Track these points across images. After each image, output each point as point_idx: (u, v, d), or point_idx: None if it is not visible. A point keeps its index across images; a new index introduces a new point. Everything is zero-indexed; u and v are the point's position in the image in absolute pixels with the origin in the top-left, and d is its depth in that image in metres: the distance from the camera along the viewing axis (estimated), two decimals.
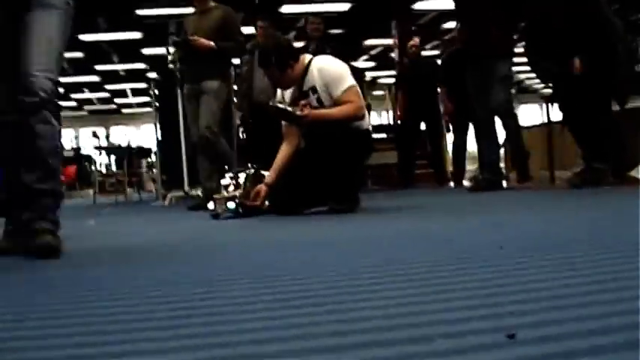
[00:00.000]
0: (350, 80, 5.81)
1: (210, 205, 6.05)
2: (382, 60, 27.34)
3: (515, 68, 8.73)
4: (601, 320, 1.53)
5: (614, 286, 1.92)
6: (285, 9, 18.25)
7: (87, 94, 35.05)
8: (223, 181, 6.26)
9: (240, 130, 10.49)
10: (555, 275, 2.14)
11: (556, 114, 8.47)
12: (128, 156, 16.20)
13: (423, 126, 12.23)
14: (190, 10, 8.26)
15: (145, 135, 35.98)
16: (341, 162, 5.70)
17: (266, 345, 1.50)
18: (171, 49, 8.84)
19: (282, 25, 9.40)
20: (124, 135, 37.33)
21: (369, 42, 25.02)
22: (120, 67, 28.19)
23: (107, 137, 37.70)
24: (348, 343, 1.47)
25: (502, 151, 8.54)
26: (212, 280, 2.47)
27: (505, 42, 8.30)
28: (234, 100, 9.15)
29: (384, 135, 13.13)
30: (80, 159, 25.29)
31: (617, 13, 7.64)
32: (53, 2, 3.62)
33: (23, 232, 3.59)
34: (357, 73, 6.97)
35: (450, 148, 12.36)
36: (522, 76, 32.11)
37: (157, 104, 11.61)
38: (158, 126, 11.51)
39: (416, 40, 12.65)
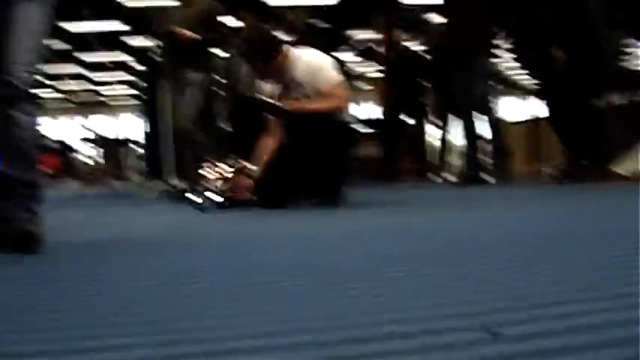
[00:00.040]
0: (334, 72, 5.81)
1: (196, 198, 6.04)
2: (367, 53, 27.29)
3: (501, 63, 8.76)
4: (587, 317, 1.53)
5: (600, 283, 1.93)
6: (271, 0, 18.20)
7: (70, 85, 34.90)
8: (208, 174, 6.24)
9: (225, 122, 10.47)
10: (537, 270, 2.15)
11: (541, 109, 8.50)
12: (115, 148, 16.17)
13: (407, 119, 12.21)
14: (174, 2, 8.23)
15: (129, 126, 35.82)
16: (325, 155, 5.69)
17: (234, 340, 1.51)
18: (155, 41, 8.81)
19: (266, 17, 9.36)
20: (106, 125, 37.11)
21: (354, 35, 24.99)
22: (104, 57, 28.07)
23: (90, 129, 37.52)
24: (327, 340, 1.47)
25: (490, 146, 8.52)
26: (195, 272, 2.47)
27: (486, 36, 8.32)
28: (219, 91, 9.11)
29: (368, 128, 13.10)
30: (64, 150, 25.19)
31: (602, 10, 7.66)
32: None
33: (1, 223, 3.56)
34: (340, 66, 6.97)
35: (434, 142, 12.36)
36: (508, 72, 32.14)
37: (143, 96, 11.57)
38: (144, 118, 11.47)
39: (402, 35, 12.62)
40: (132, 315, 1.84)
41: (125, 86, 33.24)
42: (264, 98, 5.82)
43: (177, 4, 7.95)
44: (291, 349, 1.41)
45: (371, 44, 16.58)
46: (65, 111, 40.62)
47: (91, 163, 21.88)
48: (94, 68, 30.03)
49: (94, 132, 24.00)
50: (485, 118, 8.36)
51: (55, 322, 1.79)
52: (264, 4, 17.70)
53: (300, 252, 3.02)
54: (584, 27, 7.48)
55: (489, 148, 8.52)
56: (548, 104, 7.92)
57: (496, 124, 8.48)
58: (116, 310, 1.89)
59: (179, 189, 8.66)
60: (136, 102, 11.44)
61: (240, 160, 6.15)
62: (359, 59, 29.03)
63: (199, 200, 5.96)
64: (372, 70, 28.04)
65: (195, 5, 7.63)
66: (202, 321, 1.72)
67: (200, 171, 6.56)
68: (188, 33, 7.41)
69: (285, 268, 2.52)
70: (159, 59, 9.02)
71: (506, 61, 14.77)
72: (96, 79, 33.01)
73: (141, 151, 11.91)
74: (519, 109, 28.77)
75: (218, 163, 6.42)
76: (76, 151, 23.65)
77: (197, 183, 6.82)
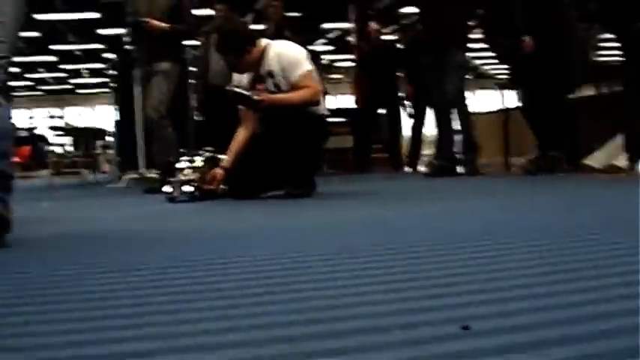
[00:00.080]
0: (307, 65, 5.81)
1: (167, 188, 6.01)
2: (340, 44, 27.34)
3: (471, 54, 8.81)
4: (568, 310, 1.54)
5: (575, 276, 1.93)
6: None
7: (42, 74, 34.72)
8: (179, 164, 6.21)
9: (196, 112, 10.45)
10: (513, 265, 2.15)
11: (513, 100, 8.54)
12: (86, 138, 16.07)
13: (380, 110, 12.23)
14: None
15: (100, 116, 35.69)
16: (297, 147, 5.69)
17: (199, 336, 1.50)
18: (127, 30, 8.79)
19: (240, 8, 9.33)
20: (78, 115, 36.97)
21: (326, 25, 25.00)
22: (76, 47, 27.94)
23: (60, 117, 37.36)
24: (300, 334, 1.46)
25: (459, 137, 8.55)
26: (166, 267, 2.46)
27: (460, 30, 8.35)
28: (191, 82, 9.07)
29: (340, 119, 13.09)
30: (34, 139, 25.05)
31: (575, 2, 7.70)
32: None
33: None
34: (315, 57, 6.96)
35: (406, 133, 12.39)
36: (479, 62, 32.27)
37: (115, 85, 11.53)
38: (116, 107, 11.42)
39: (375, 25, 12.63)
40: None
41: (98, 76, 33.16)
42: (236, 90, 5.80)
43: None
44: (265, 343, 1.40)
45: (345, 35, 16.53)
46: (34, 99, 40.46)
47: (62, 152, 21.73)
48: (65, 58, 29.93)
49: (65, 122, 23.82)
50: (457, 111, 8.38)
51: (30, 317, 1.78)
52: None
53: (272, 244, 3.01)
54: (556, 19, 7.51)
55: (459, 140, 8.55)
56: (520, 95, 7.96)
57: (467, 118, 8.49)
58: (129, 307, 1.87)
59: (149, 179, 8.63)
60: (108, 91, 11.36)
61: (211, 151, 6.13)
62: (333, 49, 29.13)
63: (170, 190, 5.94)
64: (346, 60, 28.12)
65: None
66: (162, 317, 1.71)
67: (171, 161, 6.52)
68: (156, 23, 7.38)
69: (256, 258, 2.52)
70: (130, 48, 9.00)
71: (479, 53, 14.83)
72: (68, 69, 32.90)
73: (111, 139, 11.83)
74: (492, 100, 28.88)
75: (189, 154, 6.38)
76: (47, 140, 23.50)
77: (167, 173, 6.78)
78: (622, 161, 7.15)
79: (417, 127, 11.88)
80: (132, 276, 2.31)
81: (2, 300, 2.02)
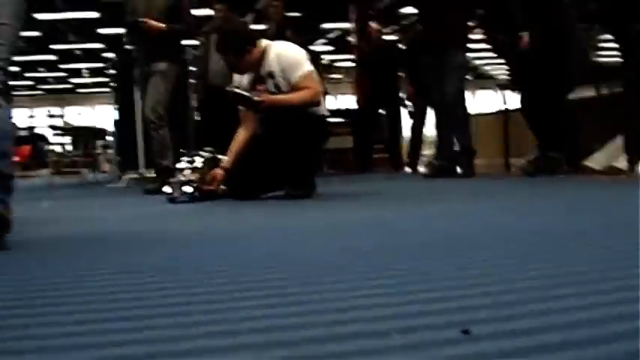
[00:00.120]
0: (307, 66, 5.80)
1: (167, 189, 6.01)
2: (340, 44, 27.33)
3: (471, 55, 8.80)
4: (568, 314, 1.54)
5: (576, 279, 1.93)
6: None
7: (42, 73, 34.72)
8: (179, 165, 6.20)
9: (196, 112, 10.44)
10: (513, 268, 2.14)
11: (513, 101, 8.53)
12: (86, 137, 16.06)
13: (380, 110, 12.21)
14: None
15: (100, 115, 35.68)
16: (297, 147, 5.69)
17: (199, 339, 1.50)
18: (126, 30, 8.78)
19: (240, 8, 9.32)
20: (78, 115, 36.95)
21: (326, 25, 25.00)
22: (76, 46, 27.94)
23: (60, 116, 37.36)
24: (300, 338, 1.46)
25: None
26: (166, 269, 2.46)
27: (460, 30, 8.34)
28: (191, 82, 9.06)
29: (340, 119, 13.09)
30: (34, 139, 25.04)
31: (575, 3, 7.70)
32: None
33: None
34: (314, 57, 6.96)
35: (407, 133, 12.38)
36: (479, 62, 32.26)
37: (115, 84, 11.52)
38: (116, 106, 11.42)
39: (376, 25, 12.62)
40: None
41: (98, 76, 33.13)
42: (236, 90, 5.80)
43: None
44: (266, 347, 1.40)
45: (345, 35, 16.52)
46: (38, 101, 40.46)
47: (62, 151, 21.72)
48: (65, 58, 29.92)
49: (65, 121, 23.82)
50: (454, 112, 8.36)
51: (30, 319, 1.78)
52: None
53: (273, 245, 3.01)
54: (556, 19, 7.51)
55: (456, 142, 8.54)
56: (520, 96, 7.96)
57: (465, 121, 8.48)
58: (128, 310, 1.87)
59: (149, 179, 8.63)
60: (108, 90, 11.38)
61: (211, 151, 6.13)
62: (333, 49, 29.11)
63: (170, 191, 5.94)
64: (346, 60, 28.11)
65: None
66: (162, 320, 1.71)
67: (165, 165, 6.52)
68: (154, 23, 7.37)
69: (256, 260, 2.52)
70: (130, 47, 9.00)
71: (479, 53, 14.81)
72: (68, 68, 32.89)
73: (111, 139, 11.83)
74: (492, 101, 28.86)
75: (189, 154, 6.38)
76: (47, 140, 23.50)
77: (167, 173, 6.78)
78: (622, 162, 7.14)
79: (417, 128, 11.88)
80: (132, 278, 2.31)
81: (2, 302, 2.02)
